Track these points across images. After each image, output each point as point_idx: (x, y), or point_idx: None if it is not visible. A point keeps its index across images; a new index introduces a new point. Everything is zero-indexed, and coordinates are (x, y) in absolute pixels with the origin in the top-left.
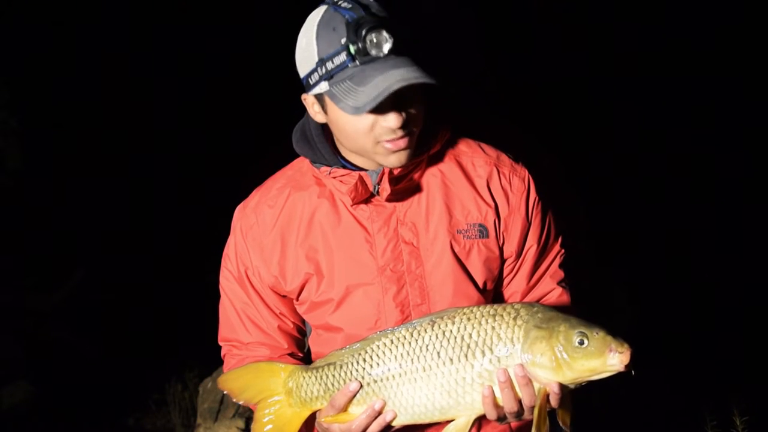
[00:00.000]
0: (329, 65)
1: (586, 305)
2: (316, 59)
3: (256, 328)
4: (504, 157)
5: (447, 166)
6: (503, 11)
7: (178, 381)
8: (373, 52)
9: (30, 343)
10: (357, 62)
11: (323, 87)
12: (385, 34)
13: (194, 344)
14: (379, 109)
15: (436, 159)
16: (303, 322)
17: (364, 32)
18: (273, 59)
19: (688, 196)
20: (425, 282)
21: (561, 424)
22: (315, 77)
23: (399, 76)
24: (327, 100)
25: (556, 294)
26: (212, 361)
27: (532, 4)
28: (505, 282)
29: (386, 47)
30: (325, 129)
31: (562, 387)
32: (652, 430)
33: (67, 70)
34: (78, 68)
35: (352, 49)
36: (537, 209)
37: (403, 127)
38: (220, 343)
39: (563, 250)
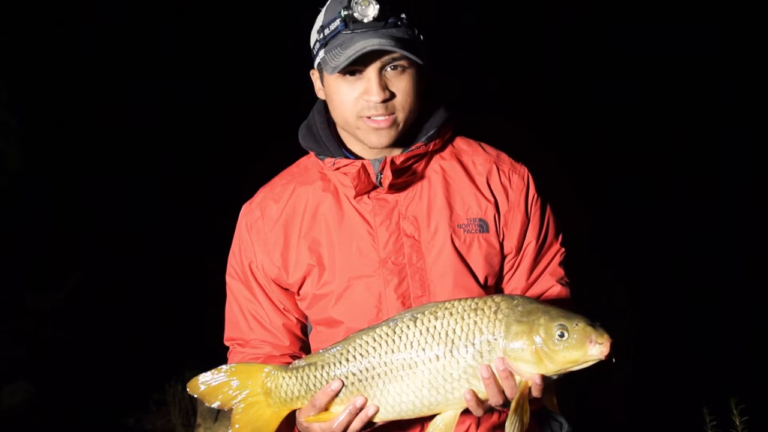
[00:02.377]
0: (326, 31)
1: (587, 305)
2: (318, 28)
3: (259, 324)
4: (504, 156)
5: (448, 163)
6: (505, 13)
7: (178, 381)
8: (357, 15)
9: (30, 343)
10: (349, 29)
11: (321, 55)
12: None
13: (194, 344)
14: (364, 80)
15: (438, 157)
16: (307, 319)
17: None
18: (273, 59)
19: (688, 197)
20: (426, 274)
21: (550, 408)
22: (317, 46)
23: (376, 42)
24: (323, 69)
25: (556, 291)
26: (212, 361)
27: (534, 5)
28: (506, 279)
29: (371, 11)
30: (330, 124)
31: (544, 378)
32: (652, 430)
33: (67, 70)
34: (78, 68)
35: (343, 13)
36: (536, 206)
37: (386, 106)
38: (226, 343)
39: (564, 249)
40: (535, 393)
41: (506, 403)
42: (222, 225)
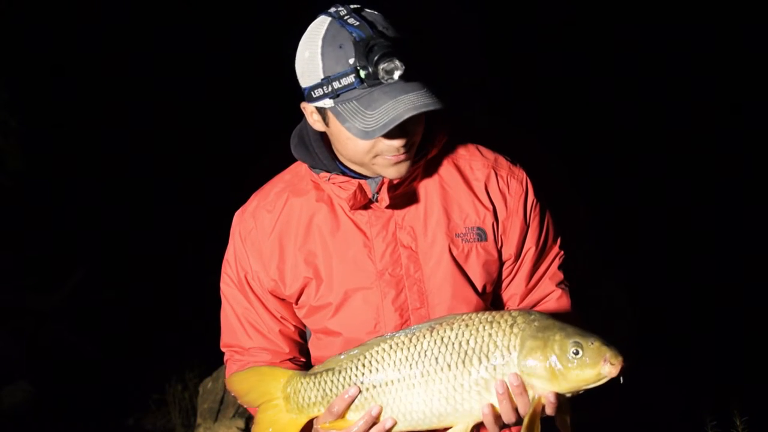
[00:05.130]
0: (336, 84)
1: (586, 307)
2: (321, 76)
3: (257, 333)
4: (502, 160)
5: (445, 169)
6: (506, 14)
7: (178, 381)
8: (385, 80)
9: (30, 343)
10: (365, 84)
11: (327, 103)
12: (397, 62)
13: (194, 344)
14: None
15: (434, 163)
16: (305, 325)
17: (375, 58)
18: (273, 59)
19: (688, 197)
20: (424, 286)
21: (561, 429)
22: (318, 92)
23: (410, 103)
24: (330, 115)
25: (556, 296)
26: (212, 361)
27: (534, 6)
28: (504, 284)
29: (397, 74)
30: (323, 136)
31: (558, 396)
32: (652, 430)
33: (67, 70)
34: (78, 68)
35: (362, 73)
36: (535, 211)
37: (405, 144)
38: (222, 349)
39: (562, 252)
40: (549, 411)
41: (519, 420)
42: (222, 225)
